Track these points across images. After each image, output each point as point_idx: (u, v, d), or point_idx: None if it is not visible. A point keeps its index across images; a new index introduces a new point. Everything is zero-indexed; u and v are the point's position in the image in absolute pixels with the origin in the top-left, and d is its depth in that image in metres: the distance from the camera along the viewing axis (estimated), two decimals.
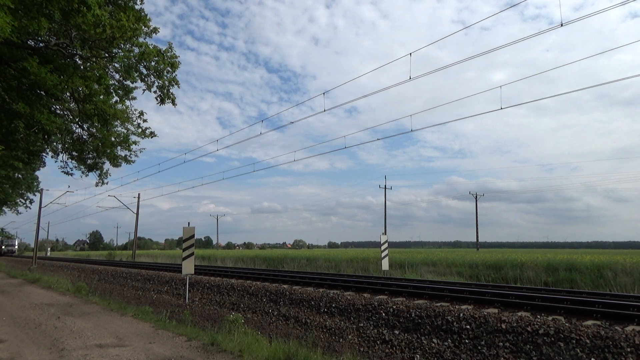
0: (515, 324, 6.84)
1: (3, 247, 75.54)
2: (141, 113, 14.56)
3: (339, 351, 7.86)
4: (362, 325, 8.65)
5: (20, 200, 33.65)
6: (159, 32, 11.26)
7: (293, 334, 8.90)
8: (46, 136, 13.44)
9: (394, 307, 8.62)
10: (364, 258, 27.43)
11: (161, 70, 11.54)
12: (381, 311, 8.70)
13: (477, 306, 8.48)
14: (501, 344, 6.68)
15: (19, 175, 24.75)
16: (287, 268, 29.35)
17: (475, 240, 60.00)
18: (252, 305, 11.63)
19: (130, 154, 15.55)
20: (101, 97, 12.71)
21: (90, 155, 15.36)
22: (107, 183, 17.08)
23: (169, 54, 11.41)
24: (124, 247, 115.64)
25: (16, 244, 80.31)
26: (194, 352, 6.25)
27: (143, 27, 10.56)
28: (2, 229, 78.44)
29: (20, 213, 75.55)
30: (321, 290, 11.37)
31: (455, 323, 7.47)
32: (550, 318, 7.05)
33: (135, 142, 15.13)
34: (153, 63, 11.34)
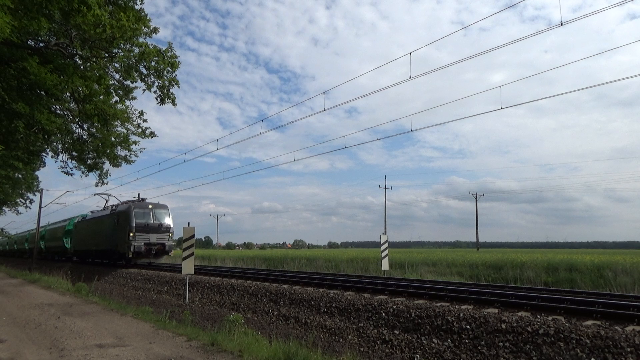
0: (515, 324, 6.84)
1: (133, 243, 21.70)
2: (141, 113, 14.60)
3: (339, 351, 7.86)
4: (362, 325, 8.64)
5: (20, 200, 33.72)
6: (159, 32, 11.29)
7: (293, 334, 8.90)
8: (46, 136, 13.44)
9: (394, 307, 8.61)
10: (364, 258, 27.42)
11: (161, 70, 11.56)
12: (381, 311, 8.69)
13: (477, 306, 8.48)
14: (501, 344, 6.68)
15: (19, 175, 24.77)
16: (287, 268, 29.34)
17: (476, 240, 60.00)
18: (252, 305, 11.63)
19: (130, 154, 15.59)
20: (101, 97, 12.73)
21: (90, 155, 15.39)
22: (107, 183, 17.14)
23: (168, 54, 11.44)
24: None
25: (171, 231, 24.51)
26: (194, 352, 6.25)
27: (143, 27, 10.58)
28: (2, 229, 73.45)
29: (20, 213, 65.62)
30: (321, 290, 11.36)
31: (455, 323, 7.47)
32: (550, 318, 7.05)
33: (135, 142, 15.16)
34: (153, 63, 11.37)
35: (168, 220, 23.28)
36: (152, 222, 22.53)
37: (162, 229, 22.74)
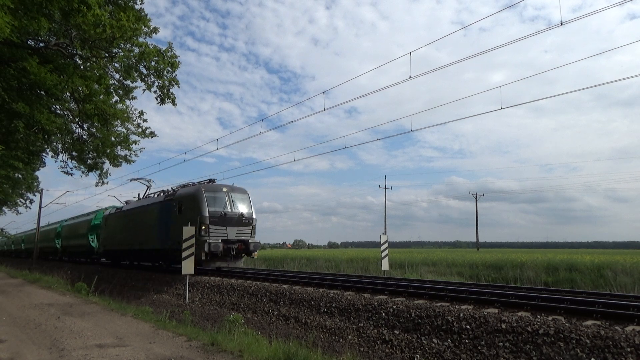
0: (515, 324, 6.84)
1: (208, 241, 15.15)
2: (141, 113, 14.63)
3: (339, 351, 7.86)
4: (362, 325, 8.64)
5: (20, 200, 33.74)
6: (158, 31, 11.30)
7: (293, 334, 8.90)
8: (46, 136, 13.46)
9: (394, 307, 8.62)
10: (364, 258, 27.43)
11: (161, 70, 11.57)
12: (381, 311, 8.69)
13: (477, 306, 8.47)
14: (501, 344, 6.68)
15: (19, 175, 24.78)
16: (287, 268, 29.35)
17: (476, 240, 60.01)
18: (252, 305, 11.63)
19: (130, 154, 15.61)
20: (101, 97, 12.75)
21: (90, 155, 15.40)
22: (107, 183, 17.15)
23: (168, 53, 11.44)
24: None
25: (254, 224, 17.18)
26: (194, 352, 6.25)
27: (143, 27, 10.59)
28: (2, 229, 73.14)
29: (20, 213, 64.37)
30: (321, 290, 11.36)
31: (455, 323, 7.47)
32: (550, 318, 7.05)
33: (135, 142, 15.17)
34: (153, 63, 11.38)
35: (250, 210, 17.02)
36: (230, 211, 16.23)
37: (243, 220, 16.50)
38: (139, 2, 10.79)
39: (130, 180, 24.25)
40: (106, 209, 27.83)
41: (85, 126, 14.66)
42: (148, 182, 23.46)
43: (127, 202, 24.36)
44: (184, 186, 18.23)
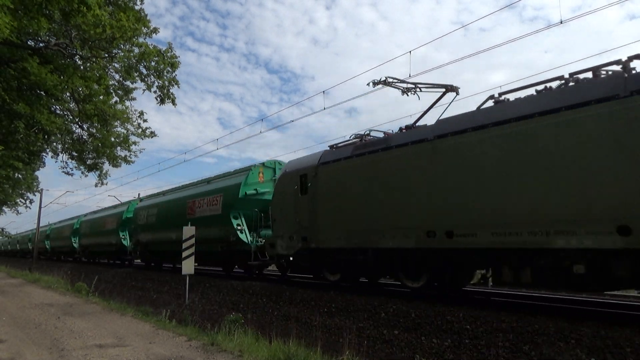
0: (515, 324, 6.84)
1: None
2: (141, 113, 14.64)
3: (338, 351, 7.86)
4: (362, 325, 8.65)
5: (20, 201, 33.71)
6: (158, 32, 11.32)
7: (293, 334, 8.90)
8: (46, 136, 13.46)
9: (394, 306, 8.62)
10: None
11: (161, 70, 11.59)
12: (381, 311, 8.70)
13: (478, 306, 8.47)
14: (501, 344, 6.68)
15: (19, 176, 24.78)
16: None
17: None
18: (252, 305, 11.63)
19: (130, 154, 15.63)
20: (101, 97, 12.77)
21: (90, 156, 15.41)
22: (106, 183, 17.16)
23: (168, 54, 11.47)
24: None
25: None
26: (194, 352, 6.26)
27: (143, 28, 10.61)
28: (2, 229, 72.76)
29: (20, 213, 64.98)
30: (321, 290, 11.37)
31: (455, 323, 7.47)
32: (550, 318, 7.05)
33: (135, 143, 15.19)
34: (153, 63, 11.40)
35: None
36: None
37: None
38: (138, 3, 10.81)
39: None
40: (255, 166, 14.62)
41: (85, 126, 14.67)
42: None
43: (348, 144, 11.00)
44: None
